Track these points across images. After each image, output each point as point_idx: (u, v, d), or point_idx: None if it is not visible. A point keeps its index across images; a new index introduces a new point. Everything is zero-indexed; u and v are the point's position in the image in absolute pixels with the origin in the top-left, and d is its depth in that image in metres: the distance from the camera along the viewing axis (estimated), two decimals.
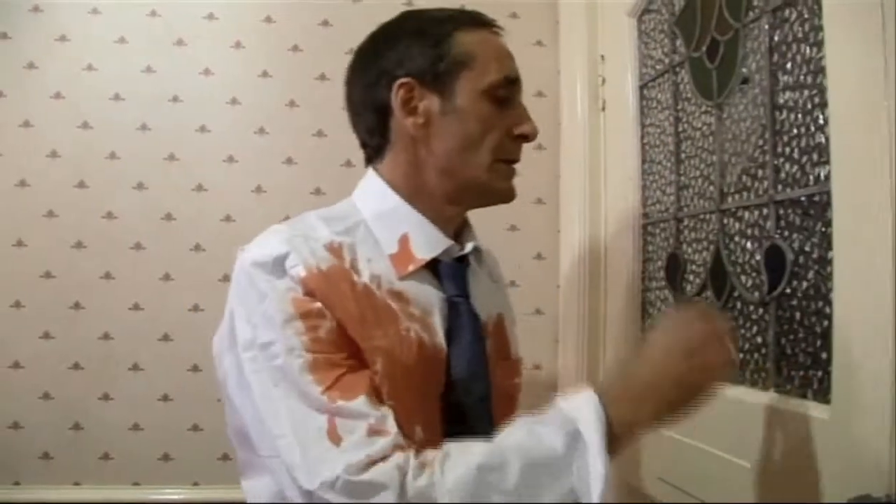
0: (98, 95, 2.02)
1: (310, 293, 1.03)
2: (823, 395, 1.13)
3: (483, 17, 1.19)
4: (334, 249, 1.08)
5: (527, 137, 1.17)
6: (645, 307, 1.78)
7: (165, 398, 2.00)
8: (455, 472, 0.92)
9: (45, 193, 2.00)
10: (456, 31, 1.14)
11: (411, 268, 1.12)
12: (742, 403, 1.27)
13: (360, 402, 0.97)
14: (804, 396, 1.18)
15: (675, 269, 1.62)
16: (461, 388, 1.11)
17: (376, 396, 1.00)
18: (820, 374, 1.15)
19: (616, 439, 0.96)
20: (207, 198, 2.03)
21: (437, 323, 1.11)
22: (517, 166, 1.20)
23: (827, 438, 1.08)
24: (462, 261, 1.20)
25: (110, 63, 2.03)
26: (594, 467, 0.92)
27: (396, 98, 1.13)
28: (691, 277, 1.56)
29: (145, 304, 2.01)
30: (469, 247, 1.20)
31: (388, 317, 1.07)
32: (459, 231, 1.23)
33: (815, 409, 1.13)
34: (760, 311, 1.31)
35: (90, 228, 2.00)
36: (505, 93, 1.15)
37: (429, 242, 1.14)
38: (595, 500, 0.92)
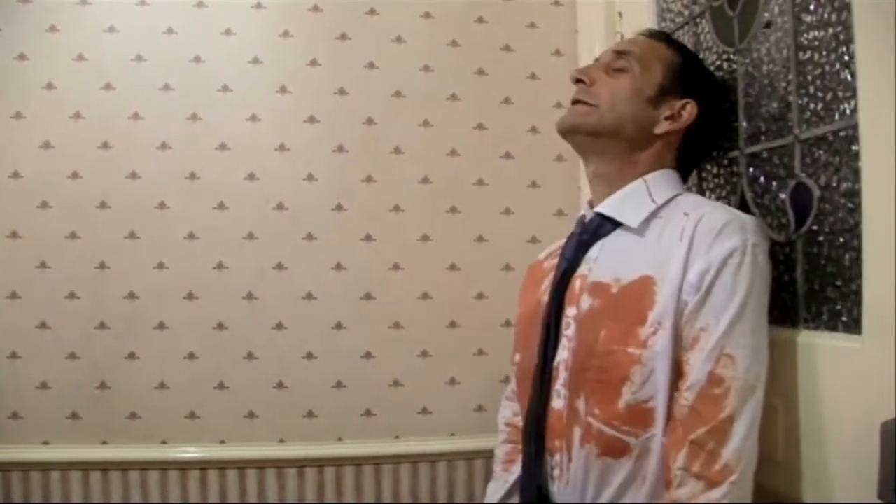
0: (120, 57, 2.03)
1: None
2: (854, 326, 1.14)
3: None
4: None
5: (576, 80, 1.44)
6: None
7: (191, 356, 2.02)
8: None
9: (68, 155, 2.01)
10: None
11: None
12: (772, 343, 1.27)
13: None
14: (834, 329, 1.19)
15: None
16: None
17: None
18: (849, 306, 1.16)
19: None
20: (230, 157, 2.04)
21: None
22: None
23: (859, 367, 1.09)
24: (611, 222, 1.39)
25: (132, 25, 2.04)
26: None
27: None
28: None
29: (170, 263, 2.02)
30: (591, 210, 1.48)
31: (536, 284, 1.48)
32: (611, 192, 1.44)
33: (845, 341, 1.15)
34: (787, 250, 1.32)
35: (114, 189, 2.02)
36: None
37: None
38: None
